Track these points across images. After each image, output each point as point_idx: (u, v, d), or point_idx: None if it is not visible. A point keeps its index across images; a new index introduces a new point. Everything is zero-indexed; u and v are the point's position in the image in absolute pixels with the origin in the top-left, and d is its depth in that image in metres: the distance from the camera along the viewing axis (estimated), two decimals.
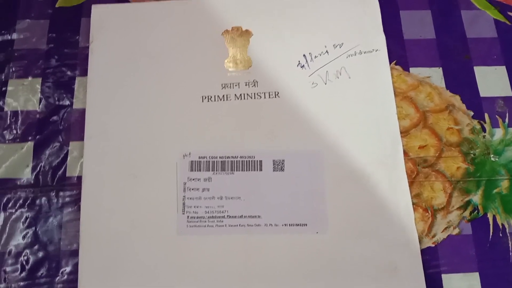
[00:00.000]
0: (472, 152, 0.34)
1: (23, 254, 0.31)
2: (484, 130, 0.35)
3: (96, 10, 0.37)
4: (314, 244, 0.31)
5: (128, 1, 0.38)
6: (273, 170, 0.33)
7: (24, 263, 0.31)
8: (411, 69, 0.37)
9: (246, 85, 0.35)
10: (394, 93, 0.35)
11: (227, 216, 0.32)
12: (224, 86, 0.35)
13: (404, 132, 0.34)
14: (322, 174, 0.33)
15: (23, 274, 0.31)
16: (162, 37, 0.36)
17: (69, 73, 0.36)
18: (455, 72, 0.37)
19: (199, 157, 0.33)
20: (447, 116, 0.35)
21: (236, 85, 0.35)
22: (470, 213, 0.33)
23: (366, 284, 0.31)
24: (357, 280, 0.31)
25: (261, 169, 0.33)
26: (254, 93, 0.35)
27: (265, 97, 0.35)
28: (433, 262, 0.31)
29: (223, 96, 0.35)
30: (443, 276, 0.31)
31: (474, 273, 0.31)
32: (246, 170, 0.33)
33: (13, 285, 0.30)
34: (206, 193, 0.32)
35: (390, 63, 0.36)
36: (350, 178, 0.33)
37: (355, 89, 0.35)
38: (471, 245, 0.32)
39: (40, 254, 0.31)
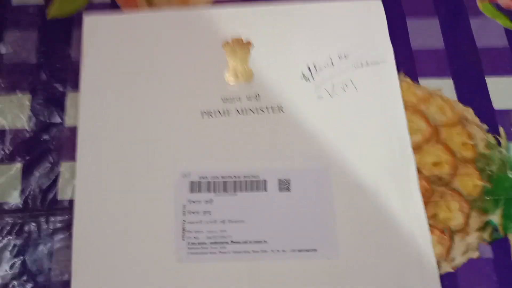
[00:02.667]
0: (488, 168, 0.32)
1: (11, 286, 0.29)
2: (499, 144, 0.33)
3: (88, 21, 0.35)
4: (325, 270, 0.29)
5: (122, 11, 0.36)
6: (279, 190, 0.31)
7: None
8: (420, 80, 0.35)
9: (248, 99, 0.33)
10: (404, 107, 0.33)
11: (231, 241, 0.30)
12: (225, 100, 0.33)
13: (416, 148, 0.33)
14: (330, 193, 0.31)
15: None
16: (158, 49, 0.34)
17: (60, 88, 0.34)
18: (467, 83, 0.35)
19: (200, 177, 0.31)
20: (461, 131, 0.33)
21: (237, 99, 0.33)
22: (490, 235, 0.31)
23: None
24: None
25: (265, 189, 0.31)
26: (257, 108, 0.33)
27: (268, 112, 0.33)
28: (453, 285, 0.29)
29: (224, 111, 0.33)
30: None
31: None
32: (250, 191, 0.31)
33: None
34: (208, 217, 0.30)
35: (398, 74, 0.34)
36: (360, 197, 0.31)
37: (363, 102, 0.33)
38: (492, 269, 0.30)
39: (29, 285, 0.29)
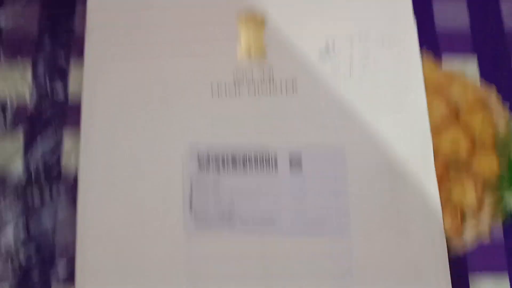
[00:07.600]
0: (509, 154, 0.31)
1: (14, 247, 0.28)
2: None
3: None
4: (335, 249, 0.29)
5: None
6: (290, 168, 0.30)
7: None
8: (443, 59, 0.33)
9: (261, 76, 0.32)
10: (425, 87, 0.32)
11: (239, 219, 0.29)
12: (236, 79, 0.32)
13: (434, 130, 0.31)
14: (344, 172, 0.30)
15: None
16: (166, 22, 0.33)
17: (63, 59, 0.32)
18: (491, 62, 0.33)
19: (208, 152, 0.30)
20: (482, 115, 0.32)
21: (250, 78, 0.32)
22: (503, 218, 0.30)
23: None
24: (381, 284, 0.28)
25: (276, 166, 0.30)
26: (270, 87, 0.32)
27: (282, 91, 0.31)
28: (462, 268, 0.29)
29: (236, 91, 0.31)
30: (471, 282, 0.29)
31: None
32: (260, 167, 0.30)
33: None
34: (216, 193, 0.29)
35: (420, 52, 0.33)
36: (375, 177, 0.30)
37: (383, 80, 0.32)
38: (502, 251, 0.29)
39: (33, 253, 0.28)
